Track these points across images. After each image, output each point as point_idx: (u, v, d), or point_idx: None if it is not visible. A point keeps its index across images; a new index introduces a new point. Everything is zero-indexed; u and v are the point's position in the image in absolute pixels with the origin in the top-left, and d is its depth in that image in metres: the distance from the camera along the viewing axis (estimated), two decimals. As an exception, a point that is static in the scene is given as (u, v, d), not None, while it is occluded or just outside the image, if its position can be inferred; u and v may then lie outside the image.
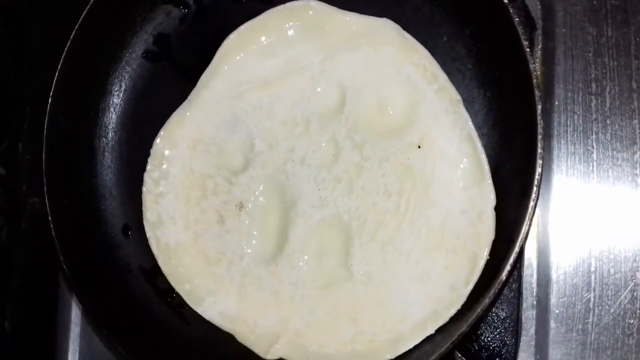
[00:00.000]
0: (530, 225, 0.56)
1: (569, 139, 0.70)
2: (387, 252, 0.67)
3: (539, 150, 0.54)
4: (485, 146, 0.64)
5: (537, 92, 0.54)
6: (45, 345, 0.88)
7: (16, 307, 0.91)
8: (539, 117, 0.54)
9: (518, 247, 0.55)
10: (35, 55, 0.91)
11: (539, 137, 0.54)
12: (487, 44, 0.66)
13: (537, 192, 0.56)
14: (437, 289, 0.64)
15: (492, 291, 0.55)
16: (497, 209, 0.63)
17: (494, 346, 0.68)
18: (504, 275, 0.55)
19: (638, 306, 0.66)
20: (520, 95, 0.60)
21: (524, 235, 0.55)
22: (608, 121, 0.69)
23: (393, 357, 0.64)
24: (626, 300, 0.66)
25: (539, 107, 0.54)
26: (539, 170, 0.54)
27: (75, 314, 0.87)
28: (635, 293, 0.66)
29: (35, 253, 0.92)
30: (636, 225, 0.68)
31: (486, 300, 0.55)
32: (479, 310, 0.55)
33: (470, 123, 0.64)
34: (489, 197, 0.63)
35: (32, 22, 0.90)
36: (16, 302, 0.91)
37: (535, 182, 0.54)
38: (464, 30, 0.68)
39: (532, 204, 0.55)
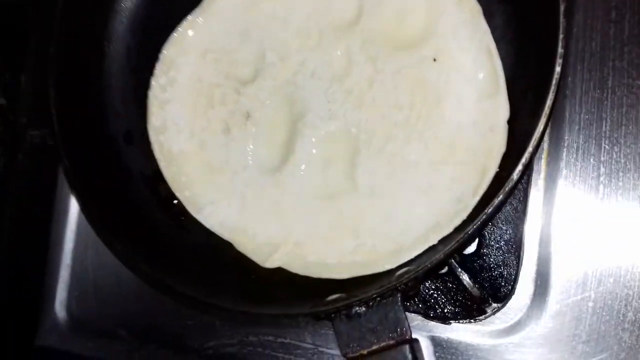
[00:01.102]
0: (544, 131, 0.55)
1: (585, 66, 0.69)
2: (394, 165, 0.66)
3: (560, 50, 0.53)
4: (502, 59, 0.63)
5: (560, -7, 0.53)
6: (38, 265, 0.87)
7: (8, 239, 0.90)
8: (561, 17, 0.53)
9: (530, 151, 0.54)
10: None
11: (561, 36, 0.53)
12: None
13: (552, 100, 0.55)
14: (443, 201, 0.63)
15: (499, 197, 0.54)
16: (510, 122, 0.62)
17: (495, 266, 0.67)
18: (514, 176, 0.54)
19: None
20: (541, 5, 0.59)
21: (539, 137, 0.54)
22: (625, 49, 0.68)
23: (393, 266, 0.62)
24: (633, 229, 0.65)
25: (563, 5, 0.53)
26: (558, 69, 0.53)
27: (69, 237, 0.86)
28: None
29: (30, 186, 0.91)
30: (648, 152, 0.67)
31: (494, 203, 0.54)
32: (484, 216, 0.54)
33: (489, 35, 0.63)
34: (503, 110, 0.62)
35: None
36: (8, 235, 0.90)
37: (554, 82, 0.53)
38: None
39: (546, 110, 0.54)
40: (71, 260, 0.85)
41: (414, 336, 0.57)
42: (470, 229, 0.55)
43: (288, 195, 0.69)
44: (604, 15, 0.69)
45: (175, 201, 0.73)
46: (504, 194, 0.54)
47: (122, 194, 0.73)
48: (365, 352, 0.56)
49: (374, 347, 0.56)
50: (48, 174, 0.88)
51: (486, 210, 0.54)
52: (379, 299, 0.57)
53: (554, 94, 0.53)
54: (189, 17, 0.74)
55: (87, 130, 0.73)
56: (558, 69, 0.53)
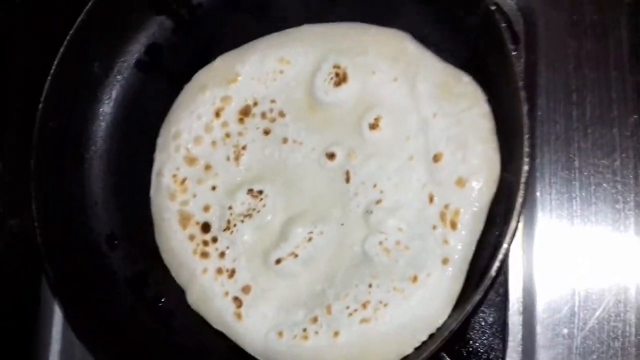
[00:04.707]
0: (516, 227, 0.57)
1: (551, 147, 0.71)
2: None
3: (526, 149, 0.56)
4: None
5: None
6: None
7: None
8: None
9: (505, 247, 0.56)
10: (20, 77, 0.91)
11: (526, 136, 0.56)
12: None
13: (523, 197, 0.57)
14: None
15: (482, 288, 0.56)
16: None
17: (482, 351, 0.68)
18: (493, 271, 0.56)
19: (622, 309, 0.67)
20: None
21: (511, 237, 0.56)
22: (589, 130, 0.71)
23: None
24: (610, 304, 0.67)
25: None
26: (526, 168, 0.55)
27: (57, 330, 0.84)
28: (618, 297, 0.67)
29: (11, 277, 0.90)
30: (619, 231, 0.69)
31: (476, 298, 0.56)
32: (468, 307, 0.56)
33: None
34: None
35: (18, 34, 0.89)
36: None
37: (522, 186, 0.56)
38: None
39: (518, 208, 0.56)
40: (59, 362, 0.84)
41: None
42: (453, 327, 0.56)
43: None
44: (565, 98, 0.72)
45: (162, 302, 0.73)
46: (483, 290, 0.56)
47: (106, 300, 0.73)
48: None
49: None
50: (30, 266, 0.87)
51: (467, 308, 0.55)
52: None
53: (523, 198, 0.55)
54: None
55: (69, 238, 0.74)
56: (526, 167, 0.56)
